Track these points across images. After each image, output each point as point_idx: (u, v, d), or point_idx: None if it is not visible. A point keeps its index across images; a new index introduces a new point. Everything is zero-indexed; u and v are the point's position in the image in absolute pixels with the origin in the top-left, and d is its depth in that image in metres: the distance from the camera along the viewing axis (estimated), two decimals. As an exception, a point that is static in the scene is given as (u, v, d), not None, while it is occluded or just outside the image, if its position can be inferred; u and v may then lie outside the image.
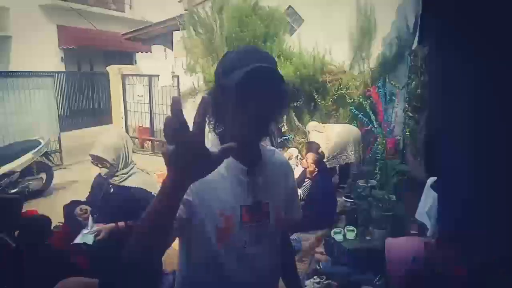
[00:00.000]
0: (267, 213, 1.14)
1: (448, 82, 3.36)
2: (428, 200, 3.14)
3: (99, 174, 2.41)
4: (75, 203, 2.44)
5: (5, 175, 4.88)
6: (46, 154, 5.58)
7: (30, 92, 6.32)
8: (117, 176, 2.36)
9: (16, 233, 2.75)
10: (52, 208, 4.57)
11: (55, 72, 10.17)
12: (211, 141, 1.13)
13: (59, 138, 6.85)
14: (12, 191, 4.85)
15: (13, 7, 11.76)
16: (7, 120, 5.97)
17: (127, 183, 2.35)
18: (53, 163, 5.69)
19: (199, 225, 1.04)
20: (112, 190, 2.37)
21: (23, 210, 3.32)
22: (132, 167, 2.42)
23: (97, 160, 2.34)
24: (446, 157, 3.35)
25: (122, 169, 2.36)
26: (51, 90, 6.68)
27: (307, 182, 4.48)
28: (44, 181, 5.42)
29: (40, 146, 5.29)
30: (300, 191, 4.17)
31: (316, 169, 4.29)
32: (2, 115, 5.92)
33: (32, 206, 4.53)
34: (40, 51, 11.87)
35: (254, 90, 0.99)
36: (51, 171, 5.59)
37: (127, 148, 2.40)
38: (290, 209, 1.30)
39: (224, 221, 1.06)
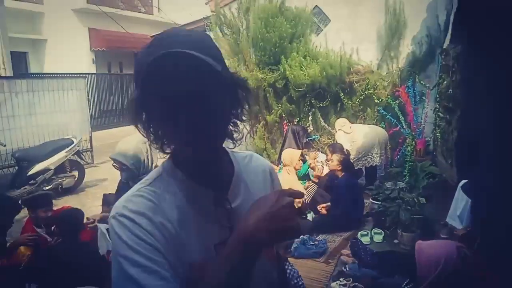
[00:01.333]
0: None
1: (482, 82, 3.25)
2: (460, 203, 3.05)
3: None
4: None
5: (40, 172, 5.09)
6: (78, 153, 5.78)
7: (63, 93, 6.56)
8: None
9: (53, 228, 2.85)
10: (83, 204, 4.73)
11: (87, 73, 10.51)
12: (162, 167, 0.84)
13: (90, 137, 7.07)
14: (46, 187, 5.04)
15: (48, 12, 12.27)
16: (42, 120, 6.22)
17: None
18: (84, 161, 5.88)
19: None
20: None
21: (58, 207, 3.47)
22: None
23: (117, 163, 2.33)
24: (480, 160, 3.25)
25: (143, 174, 2.22)
26: (83, 91, 6.91)
27: (312, 187, 4.46)
28: (76, 179, 5.61)
29: (73, 145, 5.48)
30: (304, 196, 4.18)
31: (339, 169, 4.26)
32: (38, 115, 6.17)
33: (65, 202, 4.70)
34: (72, 53, 12.32)
35: (170, 86, 0.69)
36: (82, 169, 5.77)
37: (149, 152, 2.32)
38: None
39: (198, 272, 0.75)
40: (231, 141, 0.85)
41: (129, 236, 0.71)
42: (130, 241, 0.71)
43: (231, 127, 0.82)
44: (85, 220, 2.83)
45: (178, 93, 0.69)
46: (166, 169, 0.82)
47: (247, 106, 0.83)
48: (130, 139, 2.38)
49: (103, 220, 2.73)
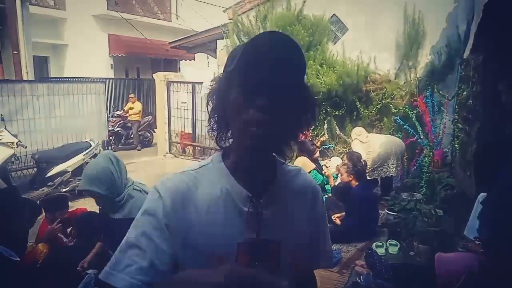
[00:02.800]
0: (276, 257, 0.83)
1: (503, 93, 3.19)
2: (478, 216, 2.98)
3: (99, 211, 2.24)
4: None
5: (58, 174, 5.19)
6: (95, 156, 5.87)
7: (82, 97, 6.70)
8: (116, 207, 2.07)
9: (70, 229, 2.90)
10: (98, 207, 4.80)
11: (105, 78, 10.70)
12: (212, 157, 0.89)
13: (107, 140, 7.19)
14: (64, 189, 5.13)
15: (70, 18, 12.58)
16: (62, 123, 6.36)
17: (125, 213, 2.04)
18: (101, 164, 5.95)
19: (178, 260, 0.80)
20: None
21: (72, 209, 3.53)
22: (127, 192, 2.10)
23: (90, 195, 2.08)
24: (499, 172, 3.17)
25: (117, 197, 2.06)
26: (102, 95, 7.05)
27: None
28: (92, 181, 5.69)
29: (91, 148, 5.57)
30: None
31: (352, 178, 4.22)
32: (58, 118, 6.31)
33: (81, 204, 4.77)
34: (92, 58, 12.58)
35: (263, 66, 0.71)
36: (99, 172, 5.86)
37: (119, 170, 2.10)
38: (315, 252, 0.97)
39: (214, 264, 0.74)
40: (282, 157, 0.87)
41: (150, 207, 0.81)
42: (147, 213, 0.81)
43: (290, 137, 0.83)
44: None
45: (271, 71, 0.71)
46: (214, 160, 0.87)
47: (309, 125, 0.84)
48: (94, 163, 2.15)
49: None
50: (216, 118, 0.83)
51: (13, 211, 2.25)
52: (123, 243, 0.80)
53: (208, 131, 0.86)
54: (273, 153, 0.85)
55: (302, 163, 4.62)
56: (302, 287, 0.97)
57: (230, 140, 0.85)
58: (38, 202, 3.39)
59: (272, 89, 0.72)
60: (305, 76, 0.81)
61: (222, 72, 0.82)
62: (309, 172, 4.63)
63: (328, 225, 3.59)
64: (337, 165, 4.72)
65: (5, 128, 4.99)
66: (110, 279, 0.76)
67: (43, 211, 3.20)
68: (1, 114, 5.27)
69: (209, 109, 0.84)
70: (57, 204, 3.21)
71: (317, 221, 0.96)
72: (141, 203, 2.10)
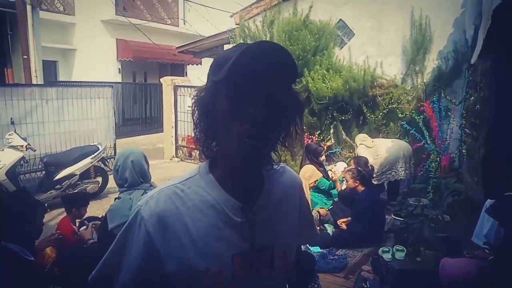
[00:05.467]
0: (270, 262, 0.84)
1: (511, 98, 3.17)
2: (486, 222, 2.96)
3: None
4: None
5: (66, 177, 5.23)
6: (103, 159, 5.91)
7: (91, 101, 6.76)
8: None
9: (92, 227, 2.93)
10: (105, 210, 4.82)
11: (113, 82, 10.80)
12: (198, 168, 0.86)
13: (114, 144, 7.23)
14: (69, 193, 5.17)
15: (78, 23, 12.75)
16: (70, 127, 6.42)
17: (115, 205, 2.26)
18: (108, 168, 6.00)
19: (170, 283, 0.79)
20: None
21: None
22: (126, 191, 2.25)
23: None
24: (507, 178, 3.15)
25: (119, 187, 2.29)
26: (110, 99, 7.10)
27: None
28: (100, 185, 5.73)
29: (98, 151, 5.61)
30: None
31: (358, 183, 4.21)
32: (66, 121, 6.37)
33: (88, 207, 4.80)
34: (100, 63, 12.72)
35: (254, 76, 0.71)
36: (106, 175, 5.90)
37: (120, 167, 2.27)
38: (304, 235, 1.01)
39: (212, 280, 0.77)
40: (271, 163, 0.86)
41: (131, 232, 0.80)
42: (127, 235, 0.80)
43: (278, 144, 0.82)
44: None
45: (263, 82, 0.71)
46: (201, 171, 0.84)
47: (295, 132, 0.82)
48: (120, 150, 2.43)
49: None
50: (202, 127, 0.80)
51: (29, 212, 2.28)
52: (103, 268, 0.84)
53: (194, 141, 0.83)
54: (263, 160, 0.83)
55: (311, 171, 4.60)
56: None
57: (215, 150, 0.82)
58: (61, 200, 3.53)
59: (265, 98, 0.71)
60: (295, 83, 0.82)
61: (207, 81, 0.79)
62: (317, 180, 4.62)
63: (334, 230, 3.60)
64: (342, 171, 4.71)
65: (15, 131, 5.05)
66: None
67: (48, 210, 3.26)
68: (11, 118, 5.34)
69: (195, 118, 0.81)
70: (78, 201, 3.31)
71: (304, 211, 0.99)
72: (115, 209, 2.12)
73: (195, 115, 0.80)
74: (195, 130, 0.82)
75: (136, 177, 2.22)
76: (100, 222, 2.48)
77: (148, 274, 0.78)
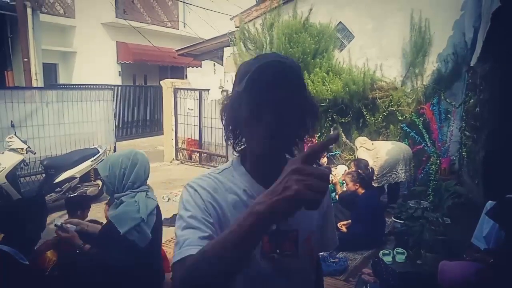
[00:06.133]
0: (295, 244, 0.97)
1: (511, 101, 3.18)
2: (486, 224, 2.96)
3: None
4: None
5: (66, 180, 5.23)
6: (103, 162, 5.92)
7: (91, 103, 6.76)
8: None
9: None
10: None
11: (113, 85, 10.81)
12: (232, 161, 1.04)
13: (114, 147, 7.23)
14: (71, 195, 5.17)
15: (78, 25, 12.77)
16: (70, 129, 6.42)
17: (111, 213, 2.14)
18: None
19: None
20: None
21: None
22: (127, 194, 2.14)
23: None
24: (507, 180, 3.15)
25: (117, 192, 2.15)
26: (110, 102, 7.10)
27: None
28: (99, 188, 5.73)
29: (98, 154, 5.61)
30: None
31: (358, 186, 4.20)
32: (66, 124, 6.37)
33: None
34: (100, 65, 12.74)
35: (267, 88, 0.87)
36: (106, 178, 5.90)
37: (130, 169, 2.14)
38: (324, 236, 1.11)
39: None
40: (291, 156, 1.00)
41: (188, 200, 0.92)
42: (187, 204, 0.92)
43: (296, 140, 0.97)
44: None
45: (271, 95, 0.87)
46: (234, 163, 1.02)
47: (312, 126, 0.98)
48: (119, 152, 2.25)
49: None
50: (230, 129, 0.98)
51: (36, 219, 2.29)
52: (178, 235, 0.89)
53: (225, 140, 1.02)
54: (284, 154, 0.99)
55: None
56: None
57: (243, 147, 1.00)
58: (65, 202, 3.56)
59: (277, 107, 0.87)
60: (306, 89, 0.95)
61: (232, 89, 0.97)
62: None
63: None
64: (343, 174, 4.72)
65: (15, 134, 5.05)
66: (177, 257, 0.84)
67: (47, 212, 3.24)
68: (11, 121, 5.33)
69: (223, 122, 0.99)
70: (82, 204, 3.30)
71: (326, 205, 1.10)
72: (122, 213, 2.06)
73: (224, 119, 0.98)
74: (225, 131, 1.00)
75: (143, 178, 2.20)
76: (102, 227, 2.45)
77: (205, 220, 0.89)
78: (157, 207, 2.27)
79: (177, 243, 0.86)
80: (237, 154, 1.03)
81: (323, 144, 0.71)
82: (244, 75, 0.88)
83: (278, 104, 0.88)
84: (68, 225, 2.42)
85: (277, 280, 0.96)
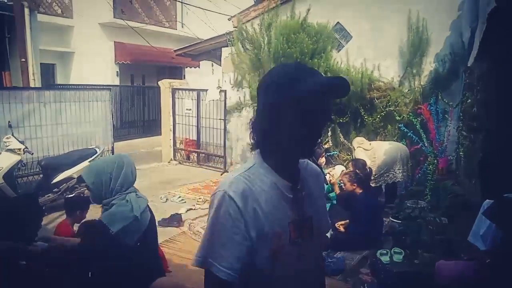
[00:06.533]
0: (311, 229, 1.13)
1: (509, 101, 3.19)
2: (483, 223, 2.97)
3: None
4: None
5: (64, 180, 5.22)
6: (101, 163, 5.91)
7: (88, 104, 6.75)
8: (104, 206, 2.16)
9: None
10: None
11: (111, 85, 10.79)
12: (254, 159, 1.12)
13: (112, 148, 7.22)
14: (69, 195, 5.16)
15: (76, 25, 12.74)
16: (68, 130, 6.40)
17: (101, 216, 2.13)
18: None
19: (256, 254, 1.04)
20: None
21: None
22: (116, 198, 2.12)
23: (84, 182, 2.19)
24: (505, 180, 3.16)
25: (105, 198, 2.13)
26: (107, 102, 7.09)
27: None
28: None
29: (96, 154, 5.60)
30: None
31: (356, 186, 4.21)
32: (64, 125, 6.36)
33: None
34: (98, 65, 12.71)
35: (325, 103, 1.02)
36: (104, 178, 5.89)
37: (116, 174, 2.13)
38: (322, 218, 1.27)
39: (276, 240, 1.05)
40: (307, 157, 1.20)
41: (224, 211, 1.01)
42: (223, 214, 1.01)
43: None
44: None
45: (325, 108, 1.03)
46: (257, 161, 1.11)
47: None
48: (103, 158, 2.28)
49: None
50: (265, 127, 1.07)
51: (32, 216, 2.28)
52: (211, 239, 1.03)
53: (250, 136, 1.12)
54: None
55: None
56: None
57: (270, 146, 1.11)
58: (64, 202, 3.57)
59: (324, 115, 1.04)
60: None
61: (277, 91, 1.03)
62: None
63: (332, 232, 3.60)
64: (340, 174, 4.72)
65: (12, 135, 5.03)
66: (212, 268, 1.00)
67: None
68: (8, 121, 5.32)
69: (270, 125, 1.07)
70: (81, 204, 3.30)
71: (323, 195, 1.30)
72: (115, 213, 2.06)
73: (273, 123, 1.05)
74: (257, 126, 1.10)
75: (131, 180, 2.20)
76: (90, 230, 2.43)
77: (241, 242, 1.01)
78: (148, 206, 2.28)
79: (212, 252, 1.01)
80: (257, 152, 1.12)
81: None
82: (294, 82, 0.99)
83: (325, 112, 1.04)
84: (38, 243, 2.39)
85: (300, 263, 1.10)
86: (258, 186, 1.06)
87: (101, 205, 2.17)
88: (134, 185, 2.25)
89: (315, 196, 1.19)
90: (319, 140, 1.10)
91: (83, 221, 3.34)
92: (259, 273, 1.06)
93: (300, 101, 0.99)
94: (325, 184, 4.70)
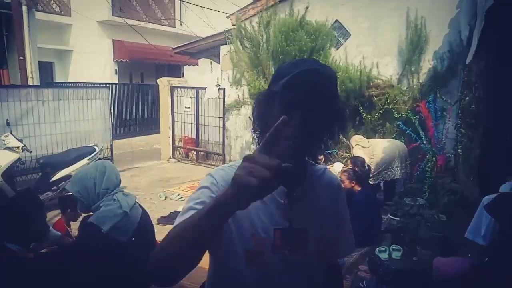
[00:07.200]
0: (305, 243, 0.98)
1: (507, 98, 3.20)
2: (484, 220, 2.98)
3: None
4: None
5: (63, 178, 5.21)
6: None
7: (87, 102, 6.75)
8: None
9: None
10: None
11: (110, 83, 10.78)
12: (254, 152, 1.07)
13: (111, 145, 7.22)
14: (68, 193, 5.15)
15: (74, 23, 12.71)
16: (67, 128, 6.41)
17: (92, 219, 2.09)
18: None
19: (230, 244, 0.97)
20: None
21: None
22: (103, 200, 2.11)
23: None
24: (502, 177, 3.17)
25: (93, 203, 2.11)
26: (106, 101, 7.10)
27: None
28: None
29: (95, 152, 5.60)
30: None
31: (354, 183, 4.22)
32: (63, 123, 6.36)
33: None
34: (96, 64, 12.69)
35: (301, 94, 0.91)
36: (103, 176, 5.89)
37: (100, 180, 2.13)
38: (340, 241, 1.17)
39: (255, 243, 0.97)
40: (312, 160, 1.09)
41: (204, 186, 0.97)
42: (201, 192, 0.96)
43: (321, 146, 1.01)
44: None
45: (304, 100, 0.91)
46: None
47: (337, 136, 1.02)
48: (82, 169, 2.27)
49: None
50: (258, 123, 1.02)
51: (33, 213, 2.28)
52: (183, 210, 0.95)
53: (251, 133, 1.05)
54: (306, 157, 1.04)
55: None
56: (329, 274, 1.17)
57: None
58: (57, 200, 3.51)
59: (306, 112, 0.91)
60: (338, 98, 1.01)
61: (269, 85, 1.01)
62: None
63: (345, 259, 3.52)
64: (338, 172, 4.73)
65: (11, 133, 5.03)
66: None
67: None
68: (7, 119, 5.32)
69: (254, 115, 1.03)
70: (70, 203, 3.29)
71: (340, 213, 1.17)
72: (104, 212, 2.04)
73: (255, 113, 1.02)
74: (254, 124, 1.03)
75: (116, 183, 2.20)
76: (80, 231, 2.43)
77: None
78: (138, 203, 2.28)
79: (180, 216, 0.93)
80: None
81: (275, 130, 0.74)
82: (281, 76, 0.94)
83: (308, 110, 0.91)
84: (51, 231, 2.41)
85: (283, 276, 1.00)
86: None
87: (91, 212, 2.16)
88: (133, 185, 2.26)
89: (322, 210, 1.07)
90: (321, 143, 0.99)
91: (82, 218, 3.34)
92: (230, 273, 1.00)
93: (272, 97, 0.97)
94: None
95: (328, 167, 5.28)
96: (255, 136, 1.04)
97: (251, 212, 0.95)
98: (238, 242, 0.96)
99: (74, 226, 3.37)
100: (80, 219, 3.32)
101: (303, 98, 0.90)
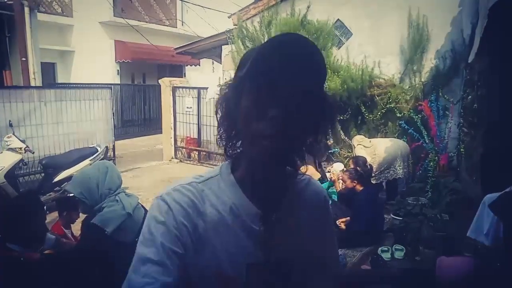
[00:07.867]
0: (287, 276, 0.78)
1: (509, 97, 3.19)
2: (485, 218, 2.97)
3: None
4: None
5: (65, 179, 5.22)
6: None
7: (89, 102, 6.77)
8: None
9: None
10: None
11: (112, 84, 10.80)
12: (220, 168, 0.81)
13: (113, 146, 7.24)
14: (70, 194, 5.16)
15: (76, 24, 12.74)
16: (69, 129, 6.43)
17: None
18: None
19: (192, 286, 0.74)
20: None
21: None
22: (106, 201, 2.10)
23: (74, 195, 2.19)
24: (505, 176, 3.16)
25: (96, 204, 2.10)
26: (108, 101, 7.11)
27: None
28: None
29: (97, 153, 5.62)
30: None
31: (356, 183, 4.21)
32: (65, 123, 6.38)
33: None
34: (98, 64, 12.72)
35: (278, 71, 0.65)
36: (105, 177, 5.90)
37: (103, 180, 2.12)
38: (326, 259, 0.91)
39: (222, 284, 0.73)
40: (294, 169, 0.82)
41: (157, 219, 0.71)
42: (155, 227, 0.71)
43: (304, 149, 0.77)
44: None
45: (286, 78, 0.65)
46: (223, 171, 0.79)
47: (325, 137, 0.79)
48: (83, 170, 2.28)
49: None
50: (225, 126, 0.76)
51: (34, 213, 2.29)
52: (135, 261, 0.71)
53: (216, 141, 0.79)
54: (286, 165, 0.80)
55: (310, 172, 4.61)
56: None
57: (240, 149, 0.77)
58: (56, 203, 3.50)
59: (286, 98, 0.65)
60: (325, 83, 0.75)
61: (233, 77, 0.76)
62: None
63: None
64: (340, 171, 4.72)
65: (13, 134, 5.05)
66: None
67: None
68: (9, 120, 5.33)
69: (218, 117, 0.77)
70: (68, 205, 3.29)
71: (327, 228, 0.92)
72: (107, 214, 2.04)
73: (219, 113, 0.76)
74: (218, 129, 0.77)
75: (118, 184, 2.20)
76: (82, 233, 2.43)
77: (172, 256, 0.70)
78: (140, 203, 2.28)
79: (135, 270, 0.69)
80: (228, 160, 0.80)
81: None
82: (250, 57, 0.69)
83: (290, 92, 0.65)
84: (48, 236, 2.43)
85: None
86: (212, 205, 0.75)
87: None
88: (135, 185, 2.26)
89: (306, 229, 0.82)
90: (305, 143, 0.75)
91: (84, 218, 3.34)
92: None
93: (241, 82, 0.71)
94: (325, 181, 4.72)
95: (328, 167, 5.29)
96: (221, 144, 0.78)
97: (215, 245, 0.73)
98: (201, 285, 0.73)
99: (74, 227, 3.38)
100: (80, 219, 3.35)
101: (282, 75, 0.65)
